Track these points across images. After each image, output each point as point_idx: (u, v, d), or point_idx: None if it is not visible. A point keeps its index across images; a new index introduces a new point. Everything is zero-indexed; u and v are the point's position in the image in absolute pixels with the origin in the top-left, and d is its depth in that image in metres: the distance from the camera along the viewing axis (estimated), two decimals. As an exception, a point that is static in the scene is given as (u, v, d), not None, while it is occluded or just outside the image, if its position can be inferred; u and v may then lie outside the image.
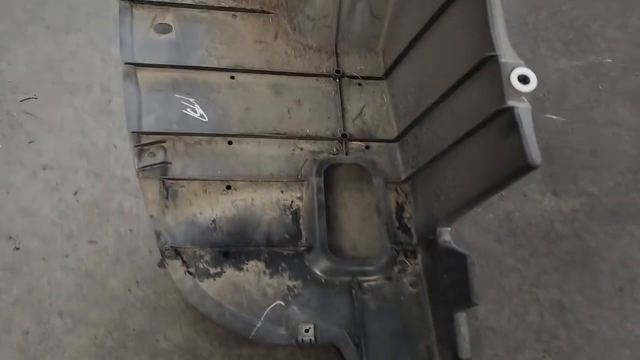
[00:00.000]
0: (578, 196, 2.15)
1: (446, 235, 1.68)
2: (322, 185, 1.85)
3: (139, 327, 1.74)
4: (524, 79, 1.32)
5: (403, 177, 1.92)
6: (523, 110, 1.30)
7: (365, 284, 1.76)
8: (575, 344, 1.84)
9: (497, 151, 1.38)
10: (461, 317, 1.55)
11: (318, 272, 1.74)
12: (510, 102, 1.31)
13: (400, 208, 1.90)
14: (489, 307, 1.87)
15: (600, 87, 2.49)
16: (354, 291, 1.72)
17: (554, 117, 2.34)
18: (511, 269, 1.97)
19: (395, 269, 1.79)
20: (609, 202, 2.16)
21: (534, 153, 1.25)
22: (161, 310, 1.77)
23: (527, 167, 1.26)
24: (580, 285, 1.96)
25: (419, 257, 1.82)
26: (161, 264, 1.81)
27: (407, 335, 1.69)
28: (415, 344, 1.68)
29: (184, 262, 1.67)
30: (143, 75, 1.86)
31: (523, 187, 2.13)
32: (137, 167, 1.71)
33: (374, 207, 1.89)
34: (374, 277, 1.77)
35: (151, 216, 1.69)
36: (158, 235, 1.67)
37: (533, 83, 1.32)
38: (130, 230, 1.90)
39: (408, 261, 1.81)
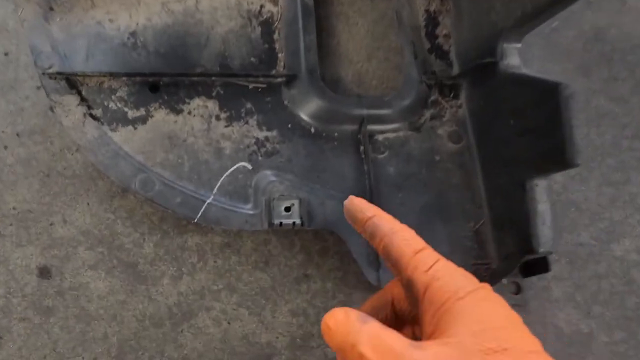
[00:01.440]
0: None
1: (513, 56, 1.11)
2: (311, -19, 1.28)
3: (23, 205, 1.19)
4: None
5: (439, -29, 1.35)
6: None
7: (380, 137, 1.23)
8: (696, 226, 1.31)
9: None
10: (539, 188, 1.01)
11: (304, 117, 1.20)
12: None
13: (432, 20, 1.32)
14: (570, 172, 1.31)
15: None
16: (362, 147, 1.19)
17: None
18: (603, 113, 1.38)
19: (427, 114, 1.26)
20: None
21: None
22: (58, 179, 1.21)
23: None
24: None
25: (463, 95, 1.27)
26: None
27: (444, 214, 1.19)
28: (457, 227, 1.18)
29: (82, 99, 1.11)
30: None
31: (621, -10, 1.51)
32: (-3, -59, 1.11)
33: (391, 19, 1.32)
34: (393, 127, 1.24)
35: (23, 20, 1.10)
36: (37, 54, 1.09)
37: None
38: (6, 54, 1.28)
39: (445, 102, 1.27)
